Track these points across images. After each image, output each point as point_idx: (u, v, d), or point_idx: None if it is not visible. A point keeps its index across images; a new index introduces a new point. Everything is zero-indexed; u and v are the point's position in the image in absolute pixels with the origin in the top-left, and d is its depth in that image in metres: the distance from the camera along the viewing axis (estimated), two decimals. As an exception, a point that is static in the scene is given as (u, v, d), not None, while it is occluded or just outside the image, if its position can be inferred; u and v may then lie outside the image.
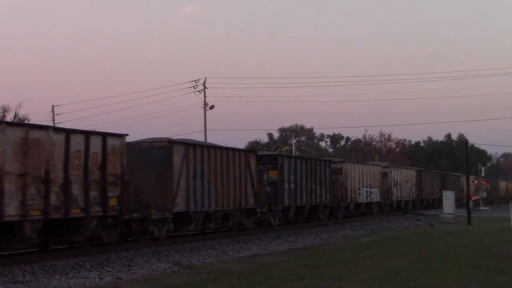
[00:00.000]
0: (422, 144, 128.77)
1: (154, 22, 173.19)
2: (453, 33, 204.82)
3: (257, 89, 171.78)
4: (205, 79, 60.53)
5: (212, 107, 59.90)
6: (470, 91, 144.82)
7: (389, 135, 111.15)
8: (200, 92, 60.33)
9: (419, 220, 42.74)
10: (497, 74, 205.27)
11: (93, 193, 19.97)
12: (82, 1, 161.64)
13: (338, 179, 41.35)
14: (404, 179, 54.45)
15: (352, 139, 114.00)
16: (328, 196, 39.00)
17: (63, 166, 18.91)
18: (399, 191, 52.99)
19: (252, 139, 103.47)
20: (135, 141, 25.14)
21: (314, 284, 13.54)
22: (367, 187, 45.51)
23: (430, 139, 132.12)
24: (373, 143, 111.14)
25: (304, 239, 27.03)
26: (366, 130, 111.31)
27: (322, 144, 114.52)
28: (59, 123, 59.46)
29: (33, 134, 18.07)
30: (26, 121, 69.82)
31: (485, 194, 78.63)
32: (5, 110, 71.01)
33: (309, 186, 36.22)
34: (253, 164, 30.29)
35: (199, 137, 69.25)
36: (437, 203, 63.85)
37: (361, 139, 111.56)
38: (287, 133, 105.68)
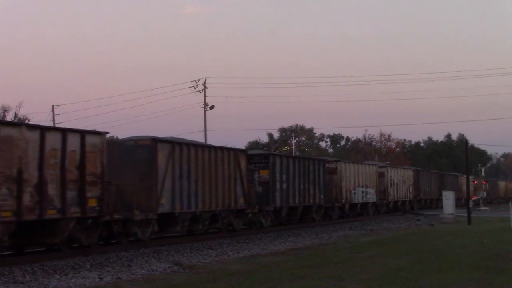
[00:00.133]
0: (422, 144, 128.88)
1: (154, 22, 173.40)
2: (453, 33, 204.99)
3: (257, 89, 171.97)
4: (205, 79, 60.63)
5: (212, 107, 59.94)
6: (470, 91, 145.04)
7: (389, 135, 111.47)
8: (200, 92, 60.41)
9: (419, 220, 42.73)
10: (497, 74, 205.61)
11: (71, 193, 19.07)
12: (82, 1, 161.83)
13: (332, 179, 40.47)
14: (401, 179, 53.70)
15: (352, 139, 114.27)
16: (322, 197, 38.08)
17: (38, 165, 18.01)
18: (396, 191, 52.25)
19: (252, 139, 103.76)
20: (118, 139, 24.35)
21: (314, 284, 13.54)
22: (362, 187, 44.68)
23: (430, 139, 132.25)
24: (373, 143, 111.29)
25: (304, 239, 27.02)
26: (366, 130, 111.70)
27: (322, 144, 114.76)
28: (59, 123, 59.54)
29: (5, 131, 17.28)
30: (26, 121, 69.96)
31: (485, 194, 78.56)
32: (5, 110, 71.15)
33: (302, 186, 35.37)
34: (243, 163, 29.42)
35: (199, 137, 69.33)
36: (435, 203, 63.55)
37: (361, 139, 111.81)
38: (287, 133, 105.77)
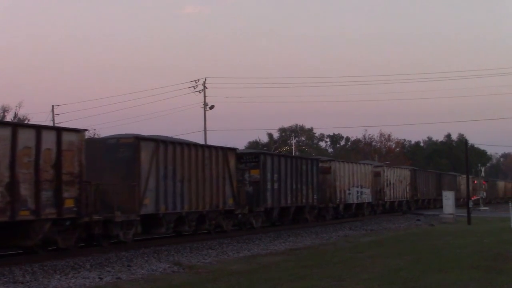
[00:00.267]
0: (422, 144, 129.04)
1: (154, 22, 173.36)
2: (453, 33, 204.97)
3: (257, 89, 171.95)
4: (205, 79, 60.59)
5: (212, 107, 59.95)
6: (470, 91, 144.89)
7: (389, 135, 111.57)
8: (200, 92, 60.39)
9: (419, 220, 42.86)
10: (497, 74, 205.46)
11: (46, 194, 18.13)
12: (82, 1, 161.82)
13: (326, 178, 39.65)
14: (397, 179, 52.92)
15: (352, 139, 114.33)
16: (315, 197, 37.18)
17: (9, 163, 17.12)
18: (392, 191, 51.44)
19: (252, 139, 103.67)
20: (100, 137, 24.16)
21: (314, 284, 13.54)
22: (357, 187, 43.84)
23: (430, 139, 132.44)
24: (373, 143, 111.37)
25: (304, 239, 27.01)
26: (366, 130, 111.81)
27: (322, 144, 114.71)
28: (59, 123, 59.41)
29: (-27, 128, 16.31)
30: (26, 121, 69.94)
31: (485, 194, 78.50)
32: (5, 110, 71.13)
33: (294, 186, 34.49)
34: (232, 162, 28.52)
35: (199, 137, 69.30)
36: (433, 203, 63.24)
37: (361, 139, 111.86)
38: (287, 133, 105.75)
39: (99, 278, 15.24)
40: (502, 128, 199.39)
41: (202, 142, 55.20)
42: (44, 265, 17.37)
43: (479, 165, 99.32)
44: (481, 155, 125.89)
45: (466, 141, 45.75)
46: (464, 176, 73.54)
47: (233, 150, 29.36)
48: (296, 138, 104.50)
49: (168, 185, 24.05)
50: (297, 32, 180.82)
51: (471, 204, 41.63)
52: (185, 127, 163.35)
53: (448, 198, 41.94)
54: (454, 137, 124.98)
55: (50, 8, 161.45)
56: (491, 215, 50.34)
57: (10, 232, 17.90)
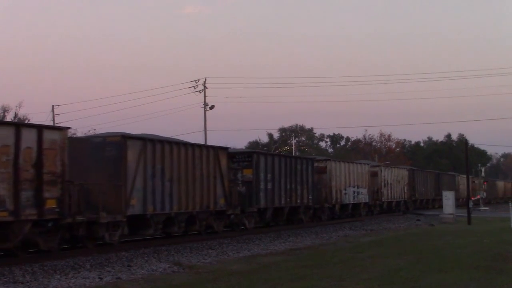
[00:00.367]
0: (422, 144, 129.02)
1: (154, 22, 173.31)
2: (453, 33, 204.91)
3: (257, 89, 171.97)
4: (205, 79, 60.59)
5: (212, 107, 59.97)
6: (470, 91, 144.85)
7: (389, 135, 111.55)
8: (200, 92, 60.39)
9: (419, 220, 42.97)
10: (497, 74, 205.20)
11: (26, 194, 17.50)
12: (82, 1, 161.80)
13: (322, 178, 38.99)
14: (395, 179, 52.32)
15: (352, 139, 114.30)
16: (310, 197, 36.44)
17: None
18: (389, 191, 50.84)
19: (252, 139, 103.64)
20: (86, 136, 23.03)
21: (314, 284, 13.55)
22: (354, 187, 43.20)
23: (430, 139, 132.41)
24: (373, 143, 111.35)
25: (304, 239, 27.02)
26: (366, 130, 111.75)
27: (322, 144, 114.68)
28: (59, 123, 59.43)
29: None
30: (26, 121, 69.92)
31: (485, 194, 78.43)
32: (5, 110, 71.02)
33: (288, 186, 33.82)
34: (223, 161, 27.77)
35: (199, 137, 69.31)
36: (432, 204, 62.98)
37: (361, 139, 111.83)
38: (287, 133, 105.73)
39: (99, 278, 15.25)
40: (502, 128, 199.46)
41: (202, 142, 55.28)
42: (44, 265, 17.35)
43: (479, 165, 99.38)
44: (481, 155, 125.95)
45: (466, 141, 45.81)
46: (463, 176, 73.68)
47: (224, 149, 28.80)
48: (296, 138, 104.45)
49: (156, 185, 23.47)
50: (297, 32, 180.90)
51: (471, 204, 41.64)
52: (185, 127, 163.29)
53: (448, 198, 41.97)
54: (454, 137, 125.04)
55: (50, 8, 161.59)
56: (491, 215, 50.38)
57: None
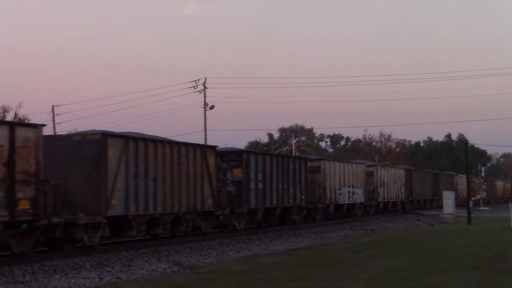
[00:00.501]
0: (422, 144, 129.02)
1: (154, 22, 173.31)
2: (453, 33, 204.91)
3: (257, 89, 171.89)
4: (205, 79, 60.63)
5: (212, 107, 59.99)
6: (470, 91, 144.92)
7: (389, 135, 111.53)
8: (200, 92, 60.43)
9: (419, 220, 42.94)
10: (497, 74, 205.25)
11: None
12: (82, 1, 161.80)
13: (315, 178, 38.22)
14: (392, 179, 51.54)
15: (352, 139, 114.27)
16: (303, 197, 35.52)
17: None
18: (386, 191, 50.02)
19: (252, 139, 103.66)
20: (65, 134, 22.22)
21: (314, 284, 13.55)
22: (349, 187, 42.41)
23: (430, 139, 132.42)
24: (373, 143, 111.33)
25: (304, 239, 27.00)
26: (366, 130, 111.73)
27: (322, 144, 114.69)
28: (59, 123, 59.52)
29: None
30: (26, 121, 69.90)
31: (485, 194, 78.34)
32: (5, 110, 71.00)
33: (280, 186, 32.91)
34: (211, 160, 26.81)
35: (199, 137, 69.31)
36: (429, 204, 62.34)
37: (361, 139, 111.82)
38: (287, 133, 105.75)
39: (99, 278, 15.24)
40: (502, 128, 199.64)
41: (202, 142, 55.30)
42: (44, 265, 17.33)
43: (479, 165, 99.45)
44: (481, 155, 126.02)
45: (466, 141, 45.80)
46: (461, 176, 73.66)
47: (212, 148, 27.94)
48: (296, 138, 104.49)
49: (139, 184, 22.52)
50: (297, 32, 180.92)
51: (471, 204, 41.65)
52: (185, 127, 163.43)
53: (448, 198, 41.94)
54: (454, 137, 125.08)
55: (50, 8, 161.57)
56: (491, 215, 50.34)
57: None
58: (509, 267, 15.91)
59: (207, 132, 59.00)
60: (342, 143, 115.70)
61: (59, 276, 15.61)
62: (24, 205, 17.55)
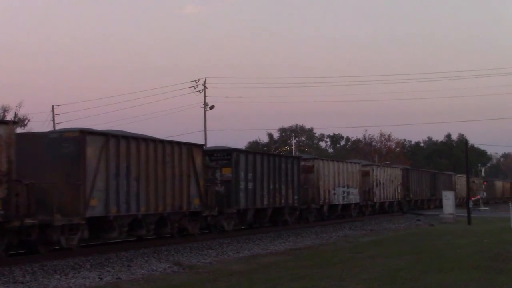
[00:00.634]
0: (422, 144, 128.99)
1: (154, 22, 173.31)
2: (453, 33, 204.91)
3: (257, 89, 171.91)
4: (205, 79, 60.64)
5: (212, 107, 60.00)
6: (470, 91, 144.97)
7: (389, 135, 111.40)
8: (200, 92, 60.45)
9: (419, 220, 42.94)
10: (497, 74, 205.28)
11: None
12: (82, 1, 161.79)
13: (309, 178, 37.49)
14: (388, 179, 50.64)
15: (352, 139, 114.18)
16: (296, 197, 34.78)
17: None
18: (382, 191, 49.15)
19: (252, 139, 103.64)
20: (42, 132, 21.66)
21: (314, 284, 13.55)
22: (343, 187, 41.59)
23: (430, 139, 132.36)
24: (373, 143, 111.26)
25: (304, 239, 27.01)
26: (366, 130, 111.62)
27: (322, 144, 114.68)
28: (59, 123, 59.46)
29: None
30: (26, 121, 69.90)
31: (485, 194, 78.26)
32: (5, 110, 70.92)
33: (272, 186, 32.12)
34: (198, 159, 25.92)
35: (199, 137, 69.28)
36: (427, 204, 61.71)
37: (361, 139, 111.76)
38: (287, 133, 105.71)
39: (99, 278, 15.25)
40: (502, 128, 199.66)
41: (202, 142, 55.33)
42: (44, 265, 17.32)
43: (479, 165, 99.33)
44: (481, 155, 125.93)
45: (466, 141, 45.78)
46: (460, 175, 73.58)
47: (199, 146, 26.86)
48: (296, 138, 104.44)
49: (121, 184, 21.62)
50: (297, 32, 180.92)
51: (471, 204, 41.66)
52: (185, 127, 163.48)
53: (448, 198, 41.93)
54: (454, 137, 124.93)
55: (50, 8, 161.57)
56: (491, 215, 50.33)
57: None
58: (509, 267, 15.92)
59: (207, 132, 59.06)
60: (342, 143, 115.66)
61: (59, 276, 15.62)
62: None
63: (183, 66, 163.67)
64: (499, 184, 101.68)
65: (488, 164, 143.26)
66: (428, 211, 56.18)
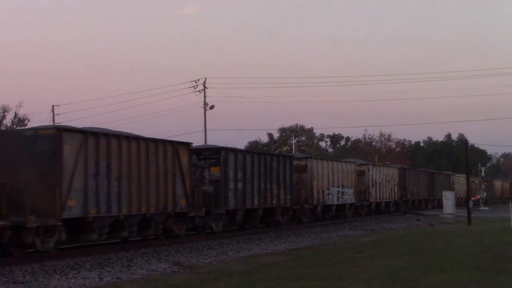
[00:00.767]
0: (422, 144, 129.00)
1: (154, 22, 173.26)
2: (453, 33, 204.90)
3: (257, 89, 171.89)
4: (205, 79, 60.69)
5: (212, 107, 60.03)
6: (470, 91, 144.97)
7: (389, 135, 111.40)
8: (200, 92, 60.49)
9: (419, 220, 42.89)
10: (497, 74, 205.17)
11: None
12: (82, 1, 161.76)
13: (302, 177, 36.69)
14: (384, 178, 49.80)
15: (352, 139, 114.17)
16: (288, 197, 33.85)
17: None
18: (378, 191, 48.28)
19: (252, 139, 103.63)
20: (17, 129, 21.03)
21: (314, 284, 13.55)
22: (338, 187, 40.70)
23: (430, 139, 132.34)
24: (373, 143, 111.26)
25: (304, 239, 27.00)
26: (366, 130, 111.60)
27: (322, 144, 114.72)
28: (59, 123, 59.42)
29: None
30: (26, 121, 69.88)
31: (485, 194, 78.23)
32: (5, 110, 70.98)
33: (262, 186, 31.19)
34: (184, 158, 25.02)
35: (199, 137, 69.31)
36: (424, 204, 61.13)
37: (361, 139, 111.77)
38: (287, 133, 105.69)
39: (99, 278, 15.25)
40: (502, 128, 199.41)
41: (202, 142, 55.33)
42: (44, 265, 17.32)
43: (479, 165, 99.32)
44: (481, 155, 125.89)
45: (466, 141, 45.70)
46: (459, 175, 73.50)
47: (185, 144, 25.72)
48: (296, 138, 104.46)
49: (101, 184, 20.72)
50: (297, 32, 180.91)
51: (471, 204, 41.65)
52: (185, 127, 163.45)
53: (448, 198, 41.87)
54: (454, 137, 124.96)
55: (50, 8, 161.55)
56: (491, 215, 50.29)
57: None
58: (509, 267, 15.92)
59: (207, 132, 59.10)
60: (342, 143, 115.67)
61: (59, 276, 15.62)
62: None
63: (183, 66, 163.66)
64: (498, 184, 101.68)
65: (488, 164, 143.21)
66: (428, 211, 56.06)
